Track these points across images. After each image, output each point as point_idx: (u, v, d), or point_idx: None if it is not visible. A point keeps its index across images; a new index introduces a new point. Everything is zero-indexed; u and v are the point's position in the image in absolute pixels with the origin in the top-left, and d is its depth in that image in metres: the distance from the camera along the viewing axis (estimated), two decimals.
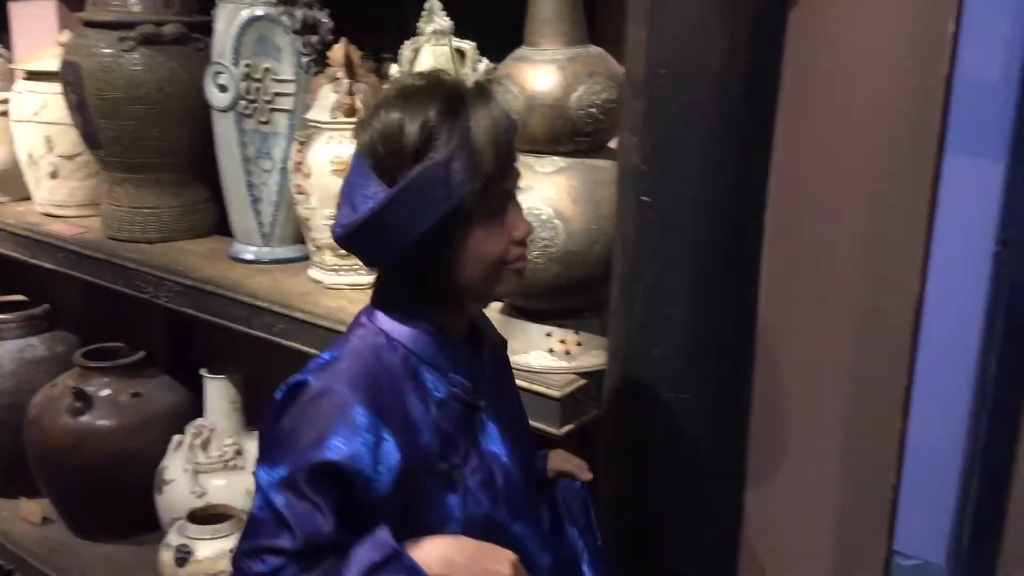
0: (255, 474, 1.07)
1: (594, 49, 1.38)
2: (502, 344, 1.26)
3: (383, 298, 1.14)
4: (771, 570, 1.55)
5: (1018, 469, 2.57)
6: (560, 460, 1.31)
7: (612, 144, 1.42)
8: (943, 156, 1.52)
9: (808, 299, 1.47)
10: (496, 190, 1.05)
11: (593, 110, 1.35)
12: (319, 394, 1.06)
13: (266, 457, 1.07)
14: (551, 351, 1.44)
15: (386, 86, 1.32)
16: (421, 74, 1.12)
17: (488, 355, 1.21)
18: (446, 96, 1.05)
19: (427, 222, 1.03)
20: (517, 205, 1.09)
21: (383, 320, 1.13)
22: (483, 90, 1.07)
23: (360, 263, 1.20)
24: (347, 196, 1.08)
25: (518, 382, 1.39)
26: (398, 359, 1.11)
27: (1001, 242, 2.46)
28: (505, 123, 1.06)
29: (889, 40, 1.36)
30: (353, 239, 1.07)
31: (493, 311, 1.56)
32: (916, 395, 1.82)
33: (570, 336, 1.45)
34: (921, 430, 2.54)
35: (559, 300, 1.43)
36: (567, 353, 1.45)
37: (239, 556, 1.06)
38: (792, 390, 1.50)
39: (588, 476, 1.29)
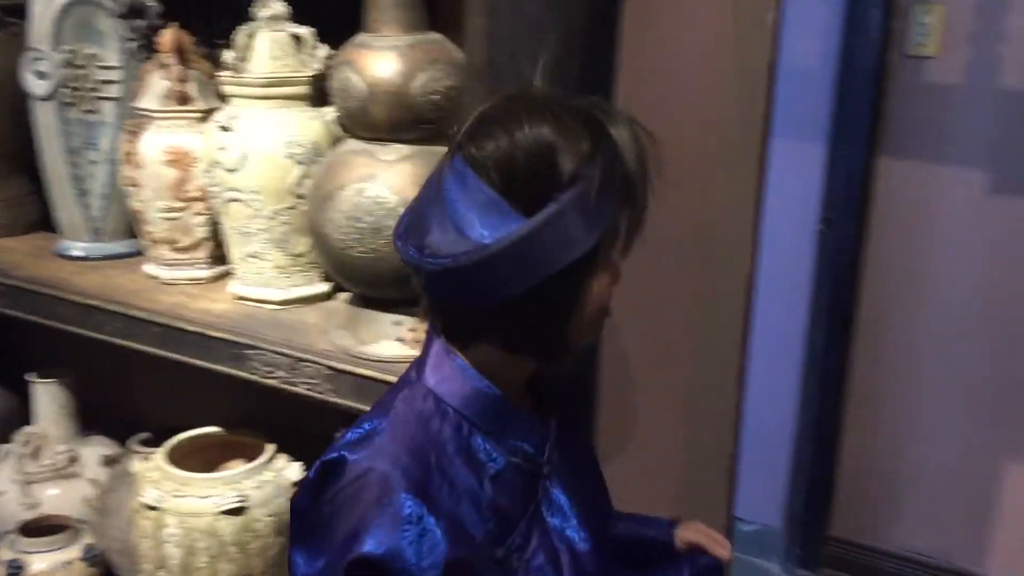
0: (291, 559, 0.97)
1: (434, 36, 1.37)
2: (567, 395, 1.13)
3: (442, 350, 0.99)
4: None
5: (845, 436, 2.75)
6: (694, 532, 1.21)
7: None
8: (769, 140, 1.60)
9: (645, 280, 1.52)
10: (638, 224, 0.96)
11: (436, 97, 1.35)
12: (359, 475, 0.93)
13: (303, 543, 0.97)
14: (401, 340, 1.43)
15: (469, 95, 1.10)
16: (528, 88, 0.97)
17: (554, 407, 1.07)
18: (589, 112, 0.94)
19: (568, 257, 0.91)
20: None
21: (432, 378, 0.99)
22: (613, 110, 0.96)
23: (426, 302, 1.00)
24: (444, 219, 0.92)
25: (368, 373, 1.38)
26: (449, 427, 0.97)
27: (824, 221, 2.62)
28: (646, 149, 0.95)
29: (716, 30, 1.43)
30: (468, 273, 0.90)
31: (341, 302, 1.54)
32: (751, 368, 1.91)
33: (421, 324, 1.45)
34: (756, 401, 2.68)
35: (409, 288, 1.42)
36: (419, 341, 1.45)
37: None
38: (634, 370, 1.55)
39: (725, 554, 1.19)
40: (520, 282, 0.90)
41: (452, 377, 0.98)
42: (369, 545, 0.89)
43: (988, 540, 2.60)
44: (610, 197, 0.92)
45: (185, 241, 1.62)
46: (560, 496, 1.03)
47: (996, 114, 2.37)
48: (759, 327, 1.67)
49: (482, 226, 0.90)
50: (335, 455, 0.96)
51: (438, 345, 1.00)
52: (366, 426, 0.98)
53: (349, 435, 0.98)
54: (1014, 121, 2.35)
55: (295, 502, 1.00)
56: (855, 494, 2.78)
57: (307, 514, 0.97)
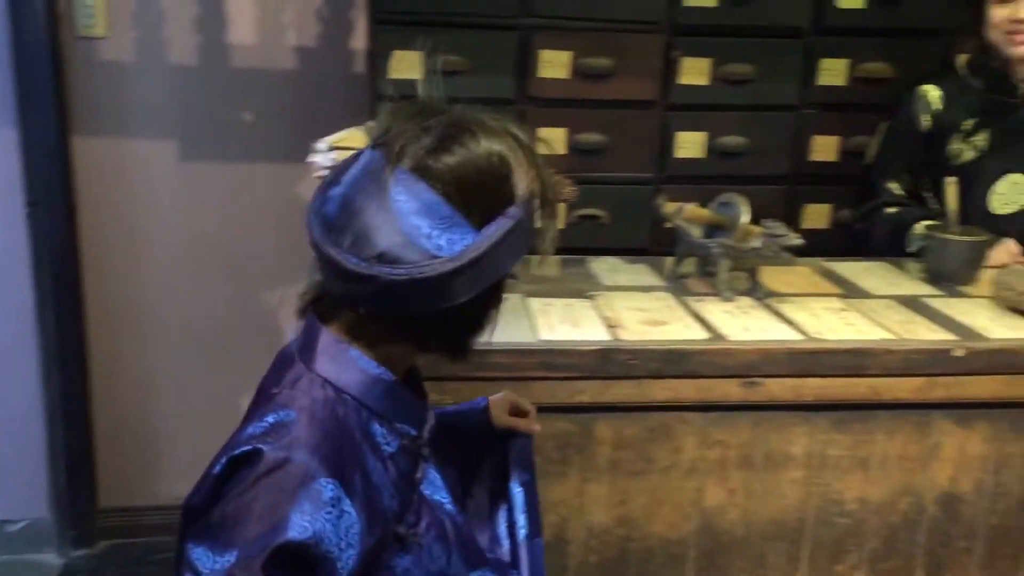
0: (189, 558, 0.91)
1: None
2: None
3: (332, 340, 1.01)
4: None
5: (95, 409, 2.81)
6: (506, 416, 1.32)
7: None
8: None
9: None
10: (552, 225, 1.04)
11: None
12: (276, 465, 0.92)
13: (206, 539, 0.91)
14: None
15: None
16: (451, 104, 1.02)
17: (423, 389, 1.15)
18: (519, 129, 1.01)
19: (512, 267, 0.99)
20: None
21: (326, 367, 1.00)
22: (522, 123, 1.03)
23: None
24: (394, 230, 0.93)
25: None
26: (352, 414, 0.99)
27: (29, 203, 2.60)
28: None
29: None
30: (425, 283, 0.93)
31: None
32: None
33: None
34: None
35: None
36: None
37: None
38: None
39: (536, 428, 1.32)
40: (468, 292, 0.96)
41: (348, 366, 1.00)
42: (294, 531, 0.89)
43: None
44: (545, 208, 1.01)
45: None
46: (435, 473, 1.11)
47: (171, 88, 2.60)
48: None
49: (439, 238, 0.94)
50: (248, 448, 0.93)
51: (327, 335, 1.02)
52: (270, 418, 0.96)
53: (251, 429, 0.96)
54: (186, 94, 2.61)
55: (192, 501, 0.97)
56: (116, 462, 2.87)
57: (207, 510, 0.94)
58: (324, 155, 1.62)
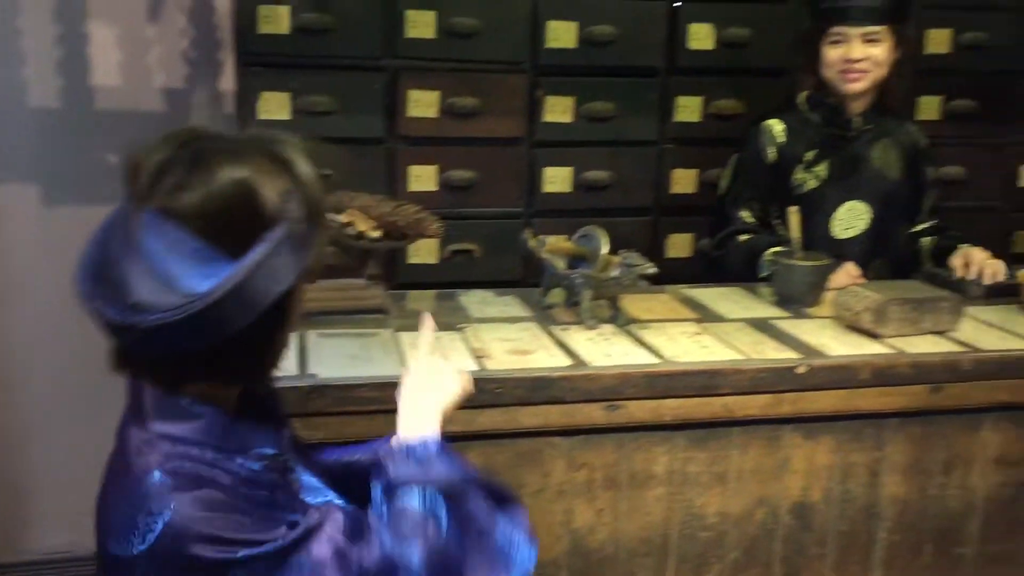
0: None
1: None
2: None
3: (156, 397, 1.00)
4: None
5: None
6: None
7: None
8: None
9: None
10: (326, 232, 1.02)
11: None
12: (177, 536, 0.94)
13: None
14: None
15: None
16: (197, 131, 0.99)
17: (273, 403, 1.16)
18: (269, 144, 0.98)
19: (282, 288, 0.95)
20: None
21: (160, 425, 0.99)
22: (281, 136, 1.01)
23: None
24: (147, 274, 0.90)
25: None
26: (204, 455, 0.99)
27: None
28: (316, 163, 1.01)
29: None
30: (188, 323, 0.90)
31: None
32: None
33: None
34: None
35: None
36: None
37: None
38: None
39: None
40: (239, 321, 0.93)
41: (176, 416, 0.99)
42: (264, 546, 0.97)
43: None
44: (311, 222, 0.97)
45: None
46: (310, 479, 1.13)
47: (32, 132, 2.55)
48: None
49: (193, 275, 0.91)
50: (171, 535, 0.95)
51: (147, 392, 1.01)
52: (145, 499, 0.96)
53: (131, 524, 0.96)
54: (48, 137, 2.56)
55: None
56: None
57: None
58: None
